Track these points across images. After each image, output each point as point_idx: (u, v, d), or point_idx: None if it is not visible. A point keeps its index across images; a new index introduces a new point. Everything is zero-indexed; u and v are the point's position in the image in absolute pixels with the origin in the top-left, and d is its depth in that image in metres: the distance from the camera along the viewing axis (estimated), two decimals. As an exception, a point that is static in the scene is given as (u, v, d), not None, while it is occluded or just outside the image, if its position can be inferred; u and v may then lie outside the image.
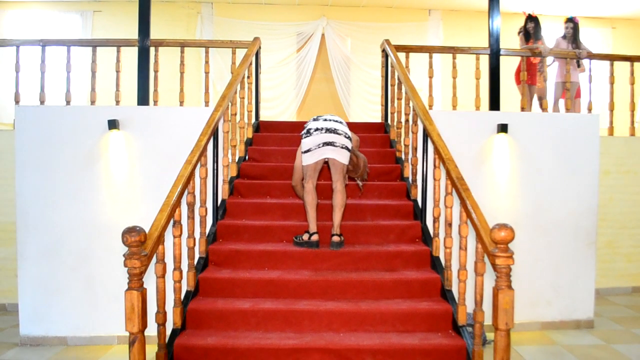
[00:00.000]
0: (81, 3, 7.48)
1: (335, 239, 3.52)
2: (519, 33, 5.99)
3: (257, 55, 5.08)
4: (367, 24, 7.75)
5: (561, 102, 5.76)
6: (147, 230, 2.46)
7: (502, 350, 2.35)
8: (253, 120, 4.99)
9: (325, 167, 3.78)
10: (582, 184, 4.52)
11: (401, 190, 4.25)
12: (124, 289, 2.34)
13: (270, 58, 7.48)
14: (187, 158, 3.20)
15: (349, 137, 3.58)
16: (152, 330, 2.79)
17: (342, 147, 3.52)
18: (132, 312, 2.30)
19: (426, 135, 3.77)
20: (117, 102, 4.66)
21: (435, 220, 3.56)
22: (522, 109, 5.07)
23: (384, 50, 5.21)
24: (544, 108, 5.24)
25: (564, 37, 5.80)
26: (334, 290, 3.26)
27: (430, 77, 4.93)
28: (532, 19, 5.76)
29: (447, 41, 7.69)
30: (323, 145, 3.49)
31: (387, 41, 4.99)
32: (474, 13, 7.76)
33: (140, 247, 2.35)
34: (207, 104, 4.84)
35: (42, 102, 4.57)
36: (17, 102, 4.63)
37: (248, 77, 4.77)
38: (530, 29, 5.71)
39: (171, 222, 2.95)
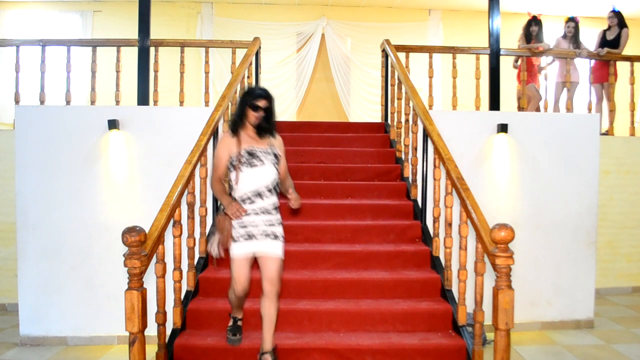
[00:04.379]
0: (81, 3, 7.48)
1: None
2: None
3: (257, 55, 5.08)
4: (367, 24, 7.75)
5: (561, 102, 5.76)
6: (147, 230, 2.46)
7: (502, 350, 2.36)
8: (253, 120, 4.98)
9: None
10: (582, 184, 4.52)
11: (401, 190, 4.25)
12: (124, 289, 2.34)
13: (270, 58, 7.48)
14: (187, 158, 3.20)
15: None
16: (152, 330, 2.80)
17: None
18: (132, 312, 2.30)
19: (426, 135, 3.77)
20: (117, 102, 4.66)
21: (435, 220, 3.56)
22: (522, 108, 5.07)
23: (384, 50, 5.21)
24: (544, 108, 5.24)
25: (565, 36, 5.78)
26: (334, 290, 3.26)
27: (430, 77, 4.92)
28: (537, 22, 5.66)
29: (447, 41, 7.69)
30: None
31: (387, 41, 4.99)
32: (474, 13, 7.76)
33: (140, 247, 2.35)
34: (207, 104, 4.84)
35: (42, 102, 4.56)
36: (17, 102, 4.63)
37: (248, 77, 4.77)
38: (534, 32, 5.63)
39: (171, 222, 2.95)
